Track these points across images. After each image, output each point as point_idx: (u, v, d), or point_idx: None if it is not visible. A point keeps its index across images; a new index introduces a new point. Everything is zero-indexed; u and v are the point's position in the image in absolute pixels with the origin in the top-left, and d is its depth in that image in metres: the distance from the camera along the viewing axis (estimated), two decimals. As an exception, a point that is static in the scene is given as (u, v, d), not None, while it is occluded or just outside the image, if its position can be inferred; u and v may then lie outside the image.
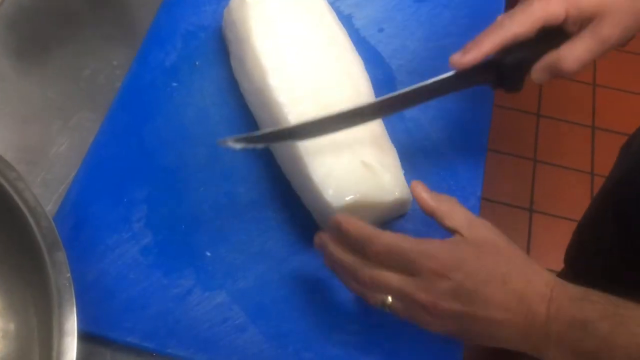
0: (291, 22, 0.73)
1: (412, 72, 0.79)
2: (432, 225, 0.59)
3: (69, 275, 0.51)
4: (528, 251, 1.79)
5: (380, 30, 0.83)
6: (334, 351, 0.62)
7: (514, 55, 0.61)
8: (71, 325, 0.49)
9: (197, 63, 0.79)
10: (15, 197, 0.54)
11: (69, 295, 0.50)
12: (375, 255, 0.56)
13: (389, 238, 0.55)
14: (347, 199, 0.63)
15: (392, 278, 0.55)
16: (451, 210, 0.58)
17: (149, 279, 0.64)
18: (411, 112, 0.75)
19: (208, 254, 0.66)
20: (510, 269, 0.54)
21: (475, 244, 0.56)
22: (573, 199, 1.89)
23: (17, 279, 0.58)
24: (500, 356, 1.25)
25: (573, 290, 0.54)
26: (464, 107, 0.76)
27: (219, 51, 0.80)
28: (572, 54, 0.60)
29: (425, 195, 0.59)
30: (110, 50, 0.81)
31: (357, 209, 0.63)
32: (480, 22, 0.84)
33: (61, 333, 0.48)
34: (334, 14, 0.77)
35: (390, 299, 0.56)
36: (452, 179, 0.72)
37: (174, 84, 0.77)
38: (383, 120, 0.71)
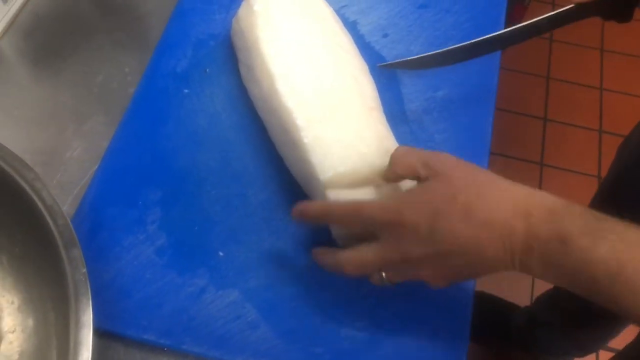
0: (298, 30, 0.74)
1: (416, 76, 0.81)
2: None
3: (84, 270, 0.52)
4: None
5: (385, 35, 0.85)
6: (343, 346, 0.63)
7: None
8: (87, 318, 0.50)
9: (207, 70, 0.81)
10: (33, 196, 0.55)
11: (85, 290, 0.51)
12: (339, 221, 0.61)
13: (347, 203, 0.60)
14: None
15: (366, 253, 0.58)
16: (404, 163, 0.60)
17: (164, 279, 0.66)
18: (415, 114, 0.77)
19: (221, 253, 0.68)
20: (469, 199, 0.54)
21: (428, 184, 0.57)
22: (580, 202, 1.89)
23: (35, 275, 0.59)
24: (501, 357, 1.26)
25: (553, 202, 0.53)
26: (467, 109, 0.78)
27: (228, 58, 0.82)
28: None
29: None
30: (123, 57, 0.84)
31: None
32: (481, 26, 0.86)
33: (78, 326, 0.49)
34: (340, 21, 0.79)
35: (383, 273, 0.59)
36: (457, 179, 0.73)
37: (185, 91, 0.79)
38: (388, 122, 0.73)
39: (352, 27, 0.85)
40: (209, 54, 0.82)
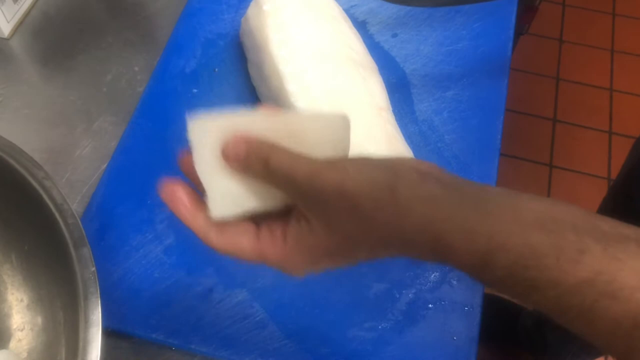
0: (307, 29, 0.74)
1: (426, 76, 0.81)
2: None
3: (94, 269, 0.52)
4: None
5: (394, 35, 0.85)
6: (350, 346, 0.63)
7: None
8: (96, 316, 0.50)
9: (216, 70, 0.81)
10: (43, 195, 0.55)
11: (94, 289, 0.51)
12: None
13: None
14: None
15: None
16: None
17: (172, 278, 0.66)
18: (424, 114, 0.77)
19: (228, 253, 0.68)
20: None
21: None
22: (590, 204, 1.88)
23: (45, 274, 0.59)
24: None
25: None
26: (477, 110, 0.78)
27: (237, 58, 0.82)
28: None
29: None
30: (132, 56, 0.84)
31: None
32: (491, 27, 0.86)
33: (87, 324, 0.49)
34: (349, 20, 0.79)
35: None
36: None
37: (194, 90, 0.79)
38: (397, 122, 0.72)
39: (361, 26, 0.85)
40: (218, 54, 0.82)
